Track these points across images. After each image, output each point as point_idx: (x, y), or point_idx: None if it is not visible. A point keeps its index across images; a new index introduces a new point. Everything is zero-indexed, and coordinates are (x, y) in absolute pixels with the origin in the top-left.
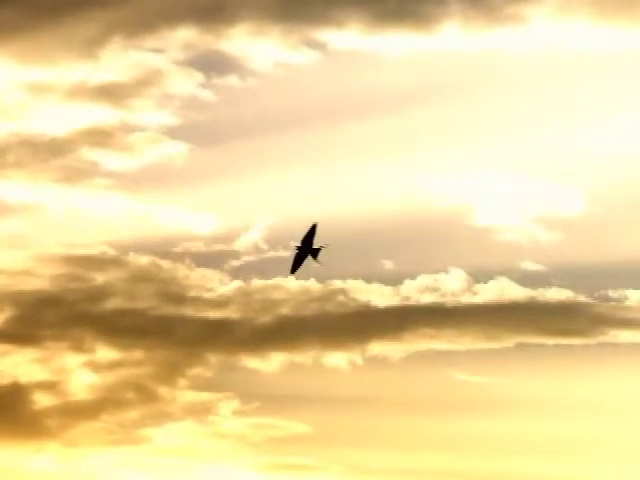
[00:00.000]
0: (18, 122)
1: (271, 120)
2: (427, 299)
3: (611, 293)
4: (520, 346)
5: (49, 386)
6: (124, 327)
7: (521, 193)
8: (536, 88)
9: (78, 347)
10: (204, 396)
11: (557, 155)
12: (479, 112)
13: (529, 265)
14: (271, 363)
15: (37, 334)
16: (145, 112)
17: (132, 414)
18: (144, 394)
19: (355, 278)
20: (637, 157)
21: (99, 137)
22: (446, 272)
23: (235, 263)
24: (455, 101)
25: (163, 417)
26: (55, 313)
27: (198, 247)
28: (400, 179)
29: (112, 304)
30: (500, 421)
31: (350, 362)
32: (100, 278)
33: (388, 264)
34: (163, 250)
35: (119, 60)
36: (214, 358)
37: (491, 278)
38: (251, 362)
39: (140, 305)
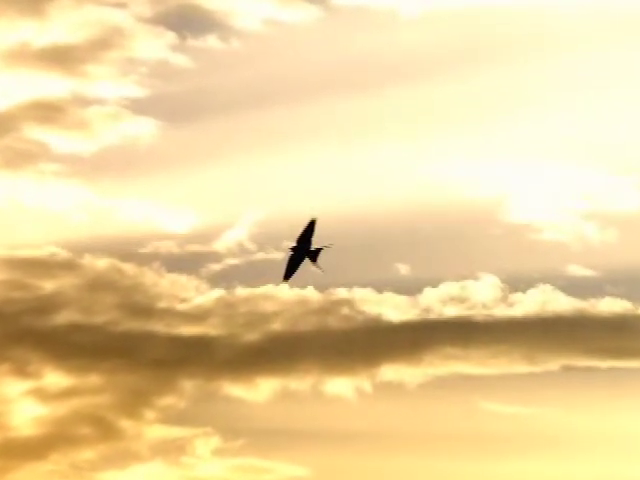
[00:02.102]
0: None
1: (260, 91)
2: (452, 312)
3: None
4: (566, 369)
5: None
6: (78, 346)
7: (567, 183)
8: (585, 54)
9: (21, 371)
10: (177, 432)
11: (611, 138)
12: (515, 83)
13: (577, 270)
14: (259, 391)
15: None
16: (104, 81)
17: (88, 454)
18: (103, 429)
19: (363, 286)
20: None
21: (47, 112)
22: (475, 279)
23: (215, 267)
24: (485, 69)
25: (126, 457)
26: None
27: (170, 248)
28: (418, 165)
29: (64, 318)
30: (541, 461)
31: (357, 390)
32: (49, 286)
33: (403, 269)
34: (127, 251)
35: (71, 17)
36: (189, 385)
37: (531, 286)
38: (235, 390)
39: (98, 319)
